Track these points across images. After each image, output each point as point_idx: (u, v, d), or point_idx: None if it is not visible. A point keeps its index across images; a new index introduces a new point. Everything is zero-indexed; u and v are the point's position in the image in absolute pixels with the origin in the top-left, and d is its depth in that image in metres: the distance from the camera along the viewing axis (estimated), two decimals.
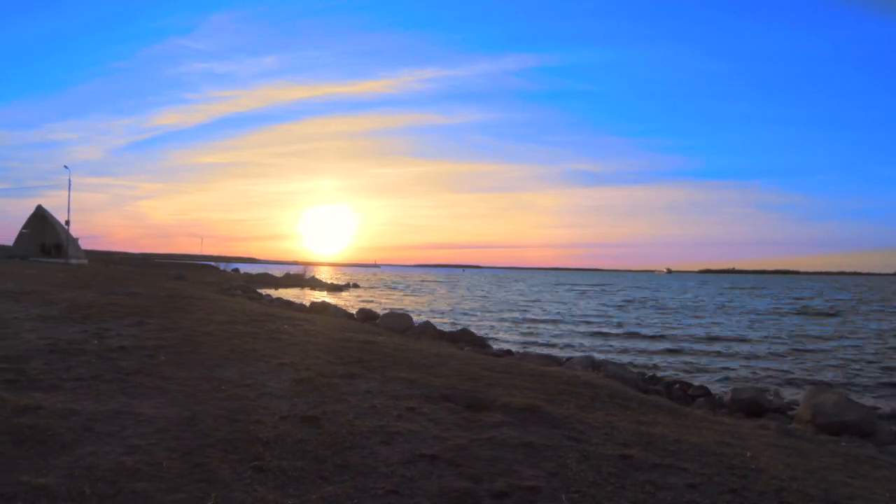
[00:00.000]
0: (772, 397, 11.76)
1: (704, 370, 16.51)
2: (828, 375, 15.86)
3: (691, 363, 17.70)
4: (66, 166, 50.27)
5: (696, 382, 13.55)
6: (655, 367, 16.71)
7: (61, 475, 3.36)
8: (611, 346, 21.44)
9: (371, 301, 41.98)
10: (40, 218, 48.28)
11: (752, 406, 10.41)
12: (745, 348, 21.10)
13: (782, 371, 16.49)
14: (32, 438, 3.91)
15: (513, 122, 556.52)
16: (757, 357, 19.11)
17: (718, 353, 19.61)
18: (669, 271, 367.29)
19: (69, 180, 46.58)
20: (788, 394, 13.15)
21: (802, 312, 39.84)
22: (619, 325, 28.72)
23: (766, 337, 24.46)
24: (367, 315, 22.75)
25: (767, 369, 16.75)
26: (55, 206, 77.46)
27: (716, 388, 13.15)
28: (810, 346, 21.87)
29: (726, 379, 15.18)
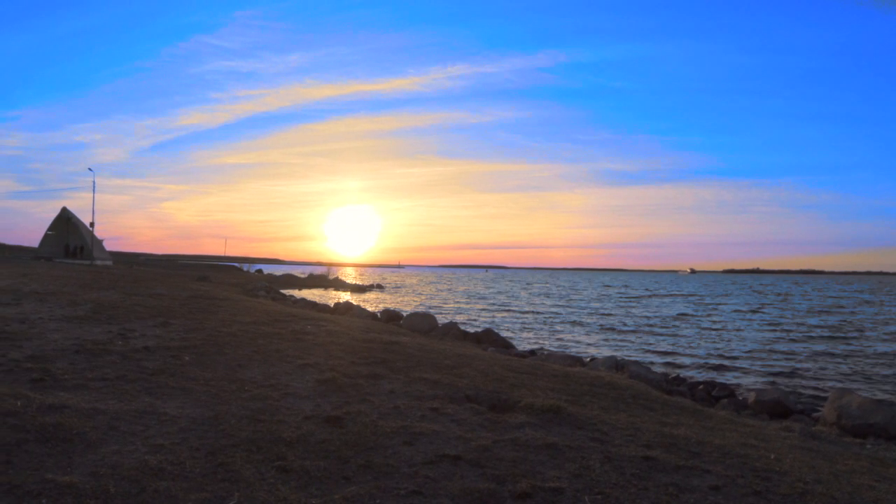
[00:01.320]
0: (796, 399, 11.64)
1: (729, 371, 16.30)
2: (853, 377, 15.58)
3: (716, 364, 17.51)
4: (90, 168, 51.40)
5: (720, 383, 13.50)
6: (679, 367, 16.60)
7: (86, 473, 3.43)
8: (633, 345, 21.25)
9: (395, 302, 42.13)
10: (65, 220, 49.41)
11: (777, 408, 10.31)
12: (767, 348, 20.79)
13: (806, 372, 16.26)
14: (57, 437, 3.99)
15: (542, 120, 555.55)
16: (782, 357, 18.83)
17: (746, 357, 19.33)
18: (693, 271, 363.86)
19: (93, 182, 47.68)
20: (813, 395, 12.99)
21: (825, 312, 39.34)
22: (646, 326, 28.46)
23: (787, 338, 24.11)
24: (390, 316, 22.83)
25: (792, 370, 16.56)
26: (80, 207, 79.37)
27: (740, 390, 13.03)
28: (839, 347, 21.49)
29: (753, 380, 14.99)
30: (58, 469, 3.47)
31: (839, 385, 14.17)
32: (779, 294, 56.07)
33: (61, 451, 3.76)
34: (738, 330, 27.00)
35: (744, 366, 17.03)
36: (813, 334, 25.60)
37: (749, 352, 19.85)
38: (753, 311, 39.30)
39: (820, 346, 21.61)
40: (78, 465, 3.55)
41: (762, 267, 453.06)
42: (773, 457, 5.00)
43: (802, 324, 30.32)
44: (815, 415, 10.23)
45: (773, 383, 14.31)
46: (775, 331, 26.63)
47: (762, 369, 16.37)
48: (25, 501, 3.03)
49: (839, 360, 18.62)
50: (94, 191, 47.77)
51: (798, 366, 17.23)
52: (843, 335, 25.41)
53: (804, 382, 14.71)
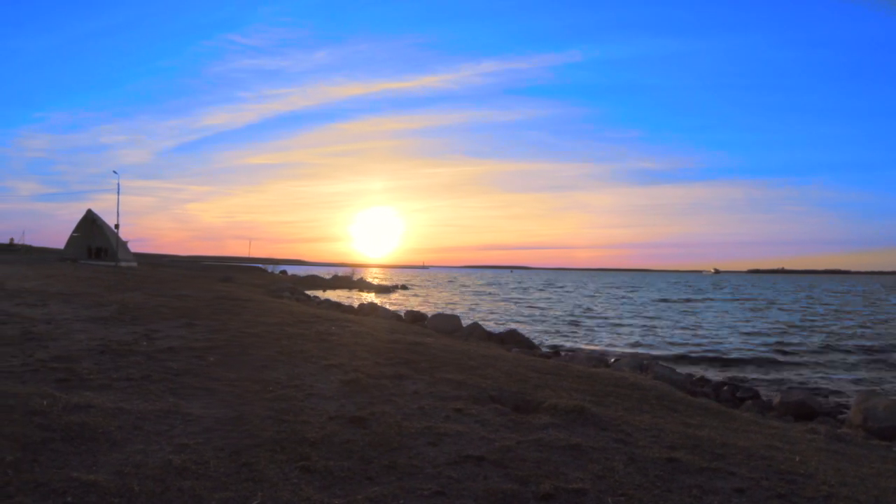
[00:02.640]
0: (822, 400, 11.51)
1: (755, 373, 16.11)
2: (881, 378, 15.30)
3: (743, 364, 17.32)
4: (115, 171, 52.32)
5: (744, 384, 13.44)
6: (704, 368, 16.49)
7: (111, 472, 3.50)
8: (659, 346, 21.06)
9: (419, 302, 42.23)
10: (90, 222, 50.45)
11: (802, 409, 10.19)
12: (798, 350, 20.48)
13: (833, 373, 16.01)
14: (83, 436, 4.08)
15: (572, 118, 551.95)
16: (809, 358, 18.57)
17: (771, 358, 19.10)
18: (717, 271, 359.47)
19: (118, 185, 48.47)
20: (839, 397, 12.81)
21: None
22: (670, 326, 28.24)
23: (815, 339, 23.73)
24: (415, 316, 22.93)
25: (817, 369, 16.36)
26: (104, 209, 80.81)
27: (765, 391, 12.91)
28: (865, 347, 21.13)
29: (779, 381, 14.81)
30: (83, 467, 3.54)
31: (865, 384, 14.03)
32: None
33: (86, 450, 3.84)
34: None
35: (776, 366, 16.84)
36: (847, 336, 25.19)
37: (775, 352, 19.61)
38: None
39: (846, 347, 21.26)
40: (103, 464, 3.62)
41: (787, 267, 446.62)
42: (797, 459, 4.97)
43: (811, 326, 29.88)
44: (840, 417, 10.14)
45: (799, 384, 14.20)
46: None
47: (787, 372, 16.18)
48: (51, 499, 3.10)
49: (869, 359, 18.36)
50: (118, 193, 48.69)
51: (827, 367, 17.04)
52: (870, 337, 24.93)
53: (830, 384, 14.52)
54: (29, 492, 3.16)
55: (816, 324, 30.03)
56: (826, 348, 20.64)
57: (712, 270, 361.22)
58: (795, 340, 22.83)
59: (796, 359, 18.33)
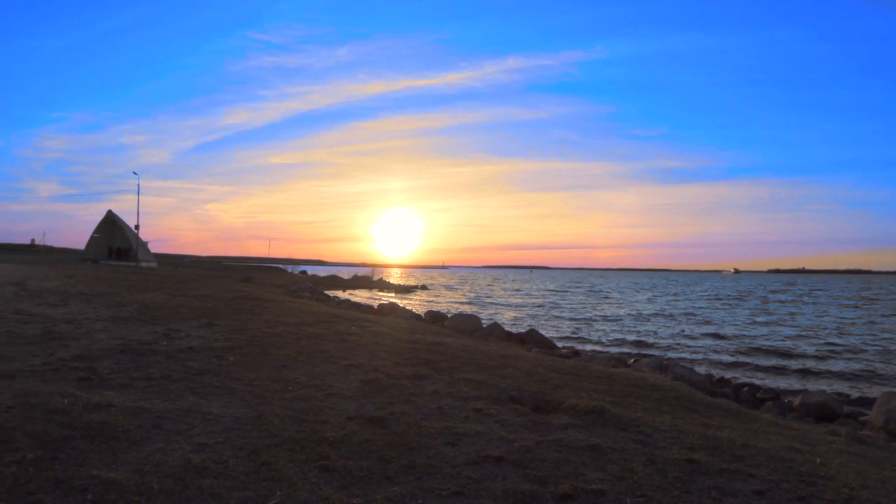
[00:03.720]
0: (842, 402, 11.40)
1: (775, 374, 15.92)
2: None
3: (761, 365, 17.12)
4: (134, 172, 52.89)
5: (765, 386, 13.39)
6: (725, 369, 16.38)
7: (130, 470, 3.55)
8: (682, 346, 20.88)
9: (439, 303, 42.29)
10: (111, 223, 51.21)
11: (822, 411, 10.14)
12: (818, 352, 20.19)
13: (854, 375, 15.77)
14: (103, 434, 4.14)
15: (597, 116, 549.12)
16: (830, 361, 18.30)
17: (793, 358, 18.84)
18: (737, 271, 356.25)
19: (138, 186, 49.03)
20: (860, 399, 12.66)
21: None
22: (695, 326, 27.96)
23: (842, 341, 23.36)
24: (435, 317, 22.96)
25: (841, 373, 16.10)
26: (124, 210, 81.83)
27: (786, 392, 12.80)
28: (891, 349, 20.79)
29: (800, 381, 14.65)
30: (103, 465, 3.60)
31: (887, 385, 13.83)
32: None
33: (106, 449, 3.90)
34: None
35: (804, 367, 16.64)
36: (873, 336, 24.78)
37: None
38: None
39: (868, 347, 20.92)
40: (123, 462, 3.67)
41: (808, 266, 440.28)
42: (818, 461, 4.93)
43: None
44: (862, 418, 10.06)
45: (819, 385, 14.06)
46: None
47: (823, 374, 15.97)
48: (71, 496, 3.15)
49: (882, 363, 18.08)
50: (138, 193, 49.23)
51: (848, 368, 16.81)
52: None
53: (851, 385, 14.34)
54: (50, 489, 3.22)
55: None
56: (849, 352, 20.33)
57: (732, 270, 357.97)
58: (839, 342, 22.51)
59: (819, 364, 18.07)
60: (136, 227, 49.86)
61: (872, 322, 31.33)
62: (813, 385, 14.24)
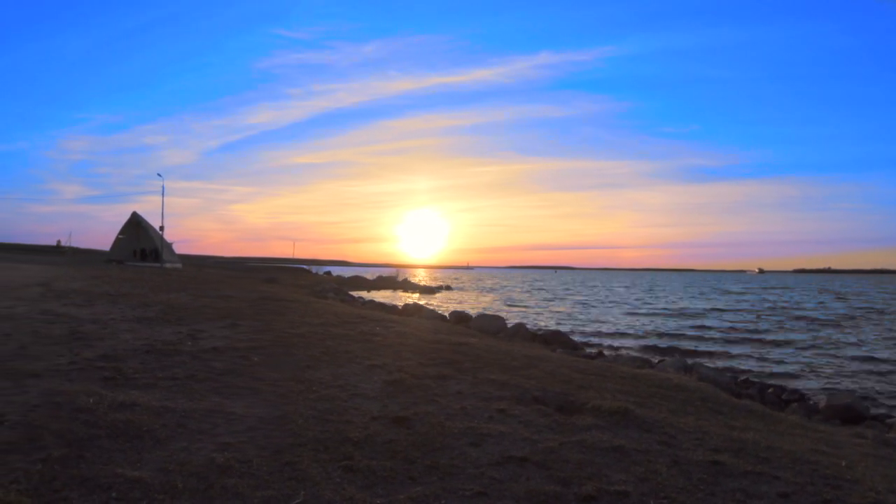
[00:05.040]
0: (869, 404, 11.28)
1: (800, 375, 15.67)
2: None
3: (788, 367, 16.86)
4: (159, 174, 53.91)
5: (790, 387, 13.24)
6: (749, 370, 16.22)
7: (155, 469, 3.60)
8: (706, 348, 20.65)
9: (463, 303, 42.32)
10: (136, 224, 52.04)
11: (849, 413, 10.03)
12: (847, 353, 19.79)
13: (881, 377, 15.46)
14: (128, 433, 4.21)
15: (629, 113, 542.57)
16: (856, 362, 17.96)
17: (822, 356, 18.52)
18: (761, 271, 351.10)
19: (162, 187, 49.86)
20: (887, 401, 12.49)
21: None
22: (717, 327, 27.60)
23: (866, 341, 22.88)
24: (459, 317, 22.99)
25: (868, 374, 15.82)
26: (149, 211, 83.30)
27: (811, 394, 12.62)
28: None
29: (825, 385, 14.38)
30: (127, 464, 3.65)
31: None
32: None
33: (131, 447, 3.96)
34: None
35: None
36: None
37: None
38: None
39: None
40: (147, 461, 3.73)
41: (834, 266, 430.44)
42: (844, 464, 4.89)
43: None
44: (888, 421, 9.98)
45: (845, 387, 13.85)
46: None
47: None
48: (96, 494, 3.21)
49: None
50: (163, 195, 50.05)
51: (874, 369, 16.52)
52: None
53: (878, 387, 14.08)
54: (75, 487, 3.28)
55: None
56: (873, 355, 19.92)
57: (756, 270, 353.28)
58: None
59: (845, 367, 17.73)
60: (161, 228, 50.74)
61: None
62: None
